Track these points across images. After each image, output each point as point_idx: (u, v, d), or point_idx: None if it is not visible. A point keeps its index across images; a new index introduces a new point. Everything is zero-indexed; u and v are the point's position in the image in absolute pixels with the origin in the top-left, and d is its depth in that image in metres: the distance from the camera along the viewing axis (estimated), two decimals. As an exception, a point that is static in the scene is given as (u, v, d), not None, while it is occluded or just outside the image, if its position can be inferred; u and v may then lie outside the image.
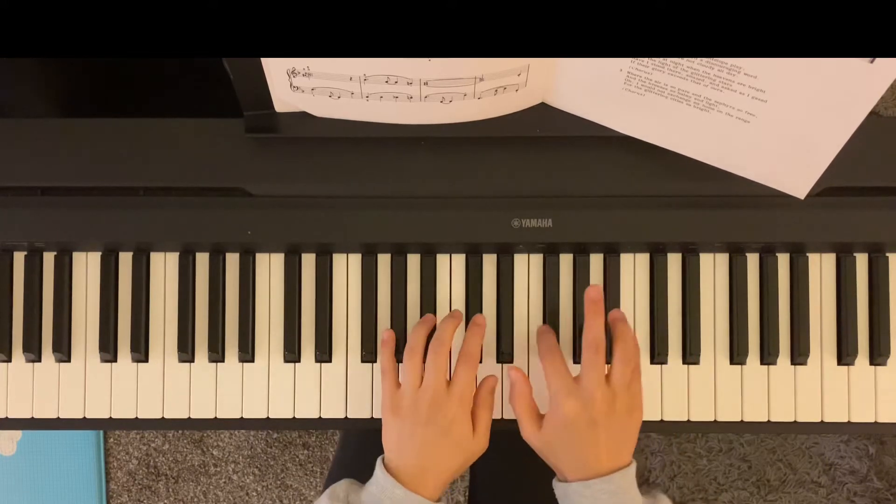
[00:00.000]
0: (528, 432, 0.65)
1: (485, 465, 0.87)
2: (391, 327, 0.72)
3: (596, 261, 0.73)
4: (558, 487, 0.65)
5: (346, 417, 0.73)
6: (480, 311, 0.72)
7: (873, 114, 0.59)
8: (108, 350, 0.73)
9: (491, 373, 0.71)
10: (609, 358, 0.66)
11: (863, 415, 0.72)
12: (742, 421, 0.72)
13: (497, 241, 0.71)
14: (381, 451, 0.68)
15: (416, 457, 0.64)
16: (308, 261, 0.74)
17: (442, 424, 0.64)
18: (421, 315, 0.73)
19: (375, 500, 0.64)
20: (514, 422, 0.68)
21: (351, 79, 0.63)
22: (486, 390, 0.68)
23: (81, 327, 0.73)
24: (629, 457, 0.64)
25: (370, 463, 0.67)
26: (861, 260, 0.73)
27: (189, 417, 0.73)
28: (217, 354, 0.73)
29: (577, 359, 0.73)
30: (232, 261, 0.74)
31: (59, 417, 0.73)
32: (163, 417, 0.73)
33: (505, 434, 0.72)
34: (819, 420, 0.72)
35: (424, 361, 0.67)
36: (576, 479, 0.62)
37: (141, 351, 0.73)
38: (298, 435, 1.33)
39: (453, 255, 0.74)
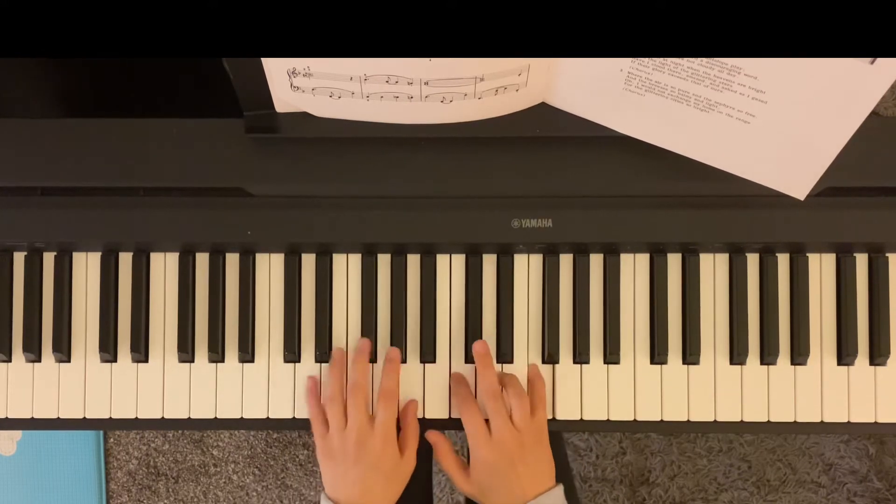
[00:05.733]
0: (460, 482, 0.70)
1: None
2: (391, 327, 0.73)
3: (596, 261, 0.73)
4: None
5: (346, 417, 0.73)
6: (480, 312, 0.73)
7: (873, 114, 0.59)
8: (108, 350, 0.73)
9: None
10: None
11: (863, 415, 0.72)
12: (742, 421, 0.72)
13: (497, 242, 0.71)
14: None
15: (353, 493, 0.67)
16: (308, 261, 0.74)
17: (370, 461, 0.67)
18: (421, 315, 0.73)
19: None
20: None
21: (351, 79, 0.63)
22: (409, 415, 0.72)
23: (81, 327, 0.73)
24: (551, 480, 0.69)
25: None
26: (861, 260, 0.73)
27: (189, 417, 0.73)
28: (217, 354, 0.73)
29: (576, 359, 0.73)
30: (232, 261, 0.74)
31: (59, 417, 0.73)
32: (163, 417, 0.73)
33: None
34: (819, 420, 0.72)
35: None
36: None
37: (141, 351, 0.73)
38: (298, 435, 1.33)
39: (453, 256, 0.73)
